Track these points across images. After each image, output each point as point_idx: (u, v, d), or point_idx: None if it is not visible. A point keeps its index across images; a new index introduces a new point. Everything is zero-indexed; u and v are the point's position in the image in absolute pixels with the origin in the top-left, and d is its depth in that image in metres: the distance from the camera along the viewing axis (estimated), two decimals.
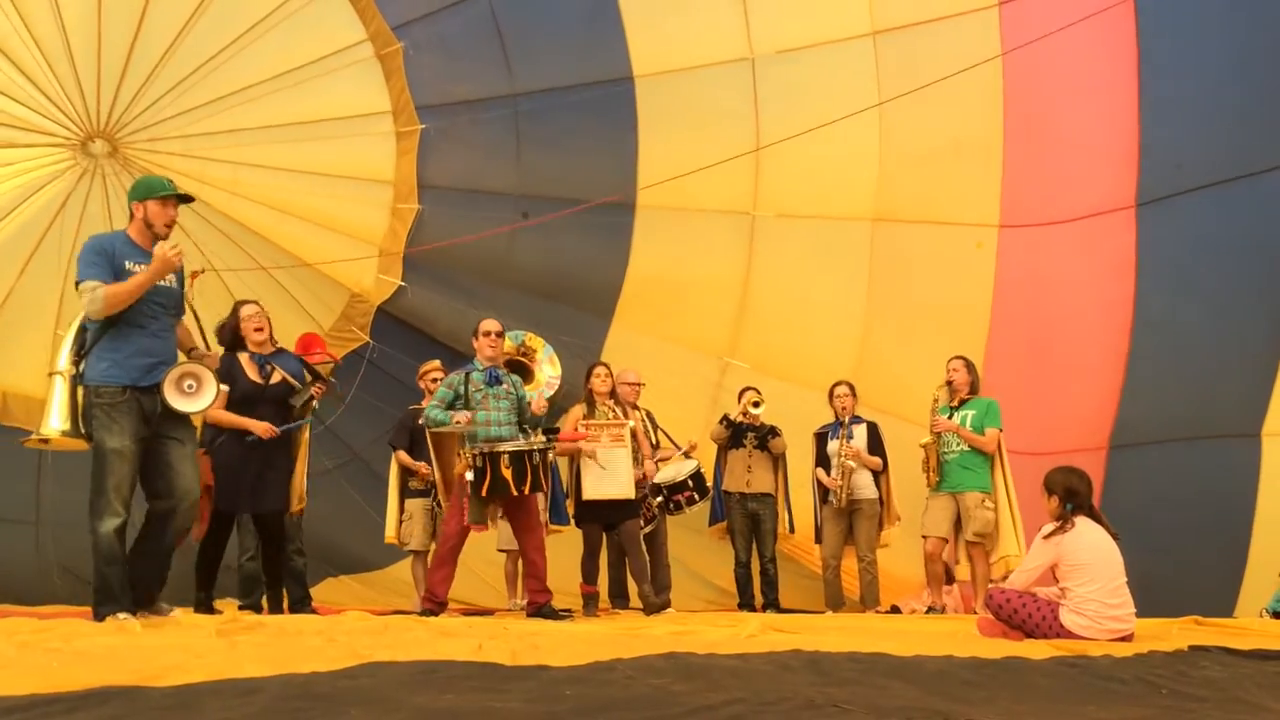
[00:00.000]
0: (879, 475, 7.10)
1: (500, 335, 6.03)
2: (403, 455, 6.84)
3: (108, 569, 4.53)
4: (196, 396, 4.63)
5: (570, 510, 6.56)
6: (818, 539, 7.25)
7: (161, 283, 4.60)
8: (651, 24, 7.17)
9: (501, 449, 5.47)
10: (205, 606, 5.77)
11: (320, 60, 6.91)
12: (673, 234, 7.44)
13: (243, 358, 5.86)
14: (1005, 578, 5.95)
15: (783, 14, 7.25)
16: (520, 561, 6.78)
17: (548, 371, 6.90)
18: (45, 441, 4.83)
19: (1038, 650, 3.73)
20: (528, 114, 7.21)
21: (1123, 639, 4.20)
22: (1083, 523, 4.40)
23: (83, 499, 7.68)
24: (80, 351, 4.60)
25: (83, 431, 4.62)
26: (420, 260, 7.28)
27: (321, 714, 2.10)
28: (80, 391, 4.60)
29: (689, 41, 7.27)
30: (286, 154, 7.02)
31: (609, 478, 6.26)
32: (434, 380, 6.74)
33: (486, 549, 7.14)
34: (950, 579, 7.10)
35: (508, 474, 5.41)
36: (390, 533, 6.95)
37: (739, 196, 7.48)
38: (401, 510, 6.92)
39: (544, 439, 5.80)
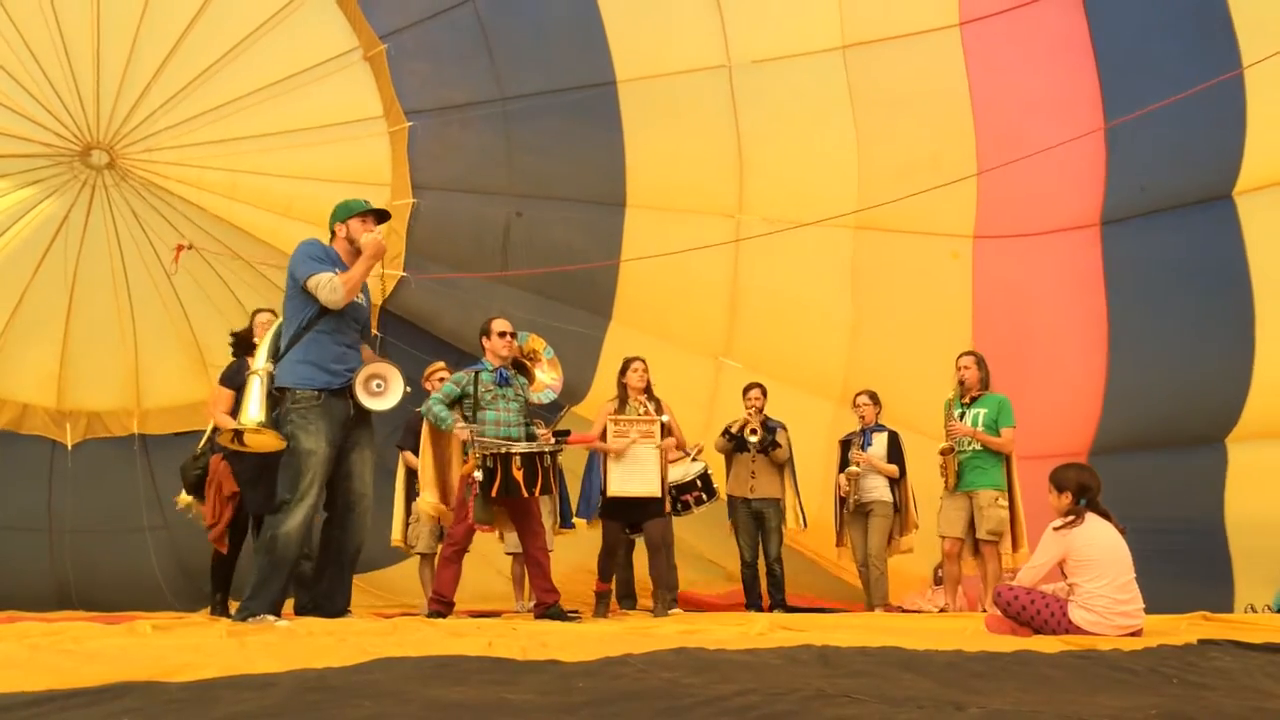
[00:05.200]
0: (896, 482, 7.08)
1: (514, 336, 6.00)
2: (410, 457, 6.82)
3: (273, 569, 4.60)
4: (384, 395, 4.77)
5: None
6: (839, 543, 7.29)
7: (357, 299, 4.86)
8: (632, 31, 7.31)
9: (515, 450, 5.44)
10: (221, 608, 5.89)
11: (312, 68, 6.97)
12: (661, 233, 7.49)
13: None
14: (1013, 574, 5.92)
15: (756, 25, 7.41)
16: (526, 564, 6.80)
17: (549, 375, 6.91)
18: (239, 438, 4.93)
19: (1048, 645, 3.74)
20: (516, 118, 7.31)
21: (1132, 634, 4.19)
22: (1092, 518, 4.40)
23: (96, 507, 7.76)
24: (276, 355, 4.80)
25: (277, 429, 4.78)
26: (420, 259, 7.30)
27: (336, 706, 2.11)
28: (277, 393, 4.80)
29: (668, 48, 7.42)
30: (281, 161, 7.06)
31: (635, 475, 6.20)
32: (440, 380, 6.75)
33: (493, 552, 7.14)
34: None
35: (519, 475, 5.37)
36: (396, 536, 6.95)
37: (724, 201, 7.62)
38: (408, 513, 6.93)
39: (554, 441, 5.77)
